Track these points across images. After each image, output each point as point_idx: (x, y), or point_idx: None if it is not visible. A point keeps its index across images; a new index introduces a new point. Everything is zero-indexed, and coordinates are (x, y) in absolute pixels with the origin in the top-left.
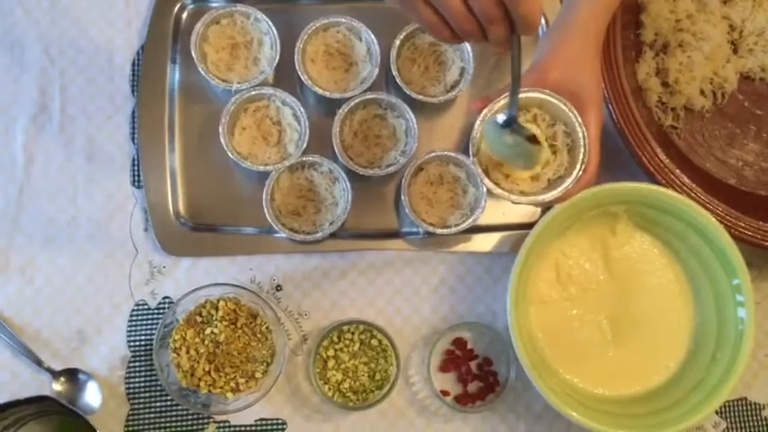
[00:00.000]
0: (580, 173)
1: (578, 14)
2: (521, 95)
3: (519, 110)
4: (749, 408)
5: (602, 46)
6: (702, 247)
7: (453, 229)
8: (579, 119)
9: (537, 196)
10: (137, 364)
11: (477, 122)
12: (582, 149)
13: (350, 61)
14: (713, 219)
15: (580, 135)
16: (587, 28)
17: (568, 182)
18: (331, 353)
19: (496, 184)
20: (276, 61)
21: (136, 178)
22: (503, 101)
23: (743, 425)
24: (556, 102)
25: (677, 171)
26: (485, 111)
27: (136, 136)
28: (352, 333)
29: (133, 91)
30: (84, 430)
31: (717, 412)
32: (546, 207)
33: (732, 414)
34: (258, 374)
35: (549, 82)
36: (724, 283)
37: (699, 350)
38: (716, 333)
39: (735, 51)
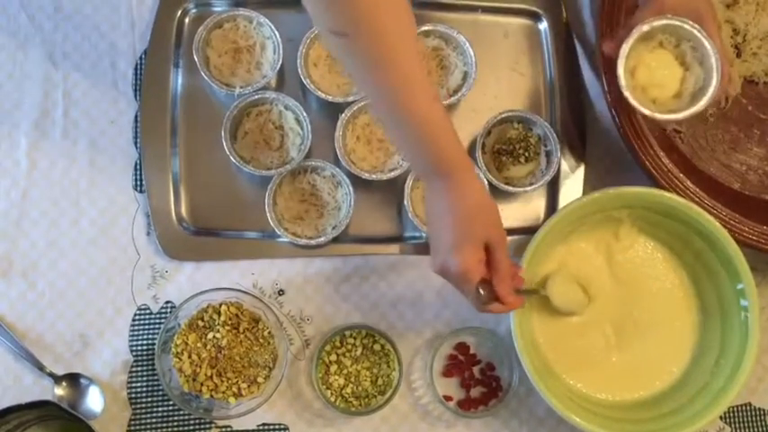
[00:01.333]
0: (717, 81)
1: None
2: (652, 25)
3: (644, 40)
4: (753, 413)
5: None
6: (706, 252)
7: None
8: (703, 32)
9: (687, 110)
10: (139, 368)
11: (619, 62)
12: (713, 58)
13: None
14: (717, 223)
15: (707, 45)
16: None
17: (711, 90)
18: (333, 358)
19: (647, 108)
20: (279, 65)
21: (138, 182)
22: (635, 34)
23: (747, 430)
24: (678, 23)
25: (681, 175)
26: (622, 49)
27: (138, 140)
28: (355, 338)
29: (136, 95)
30: None
31: (721, 417)
32: (549, 209)
33: (736, 419)
34: (260, 379)
35: (667, 6)
36: (728, 287)
37: (703, 355)
38: (720, 338)
39: (738, 55)
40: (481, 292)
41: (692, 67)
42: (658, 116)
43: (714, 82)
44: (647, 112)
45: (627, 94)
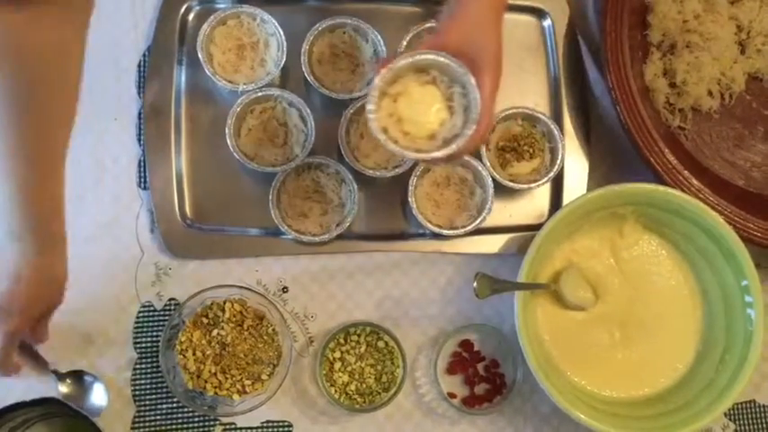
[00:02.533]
0: (469, 132)
1: None
2: (420, 57)
3: (420, 71)
4: (758, 410)
5: (504, 11)
6: (711, 249)
7: (460, 231)
8: (474, 82)
9: (431, 152)
10: (143, 365)
11: (376, 79)
12: (475, 111)
13: (356, 62)
14: (722, 220)
15: (473, 98)
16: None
17: (459, 140)
18: (337, 355)
19: (395, 141)
20: (282, 62)
21: (142, 180)
22: (402, 61)
23: (752, 427)
24: (453, 65)
25: (685, 172)
26: (383, 71)
27: (142, 137)
28: (359, 335)
29: (139, 92)
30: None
31: (726, 414)
32: (553, 206)
33: (741, 416)
34: (264, 376)
35: (449, 45)
36: (732, 284)
37: (707, 352)
38: (725, 335)
39: (742, 52)
40: None
41: (456, 113)
42: (391, 146)
43: (468, 133)
44: (381, 137)
45: (372, 116)
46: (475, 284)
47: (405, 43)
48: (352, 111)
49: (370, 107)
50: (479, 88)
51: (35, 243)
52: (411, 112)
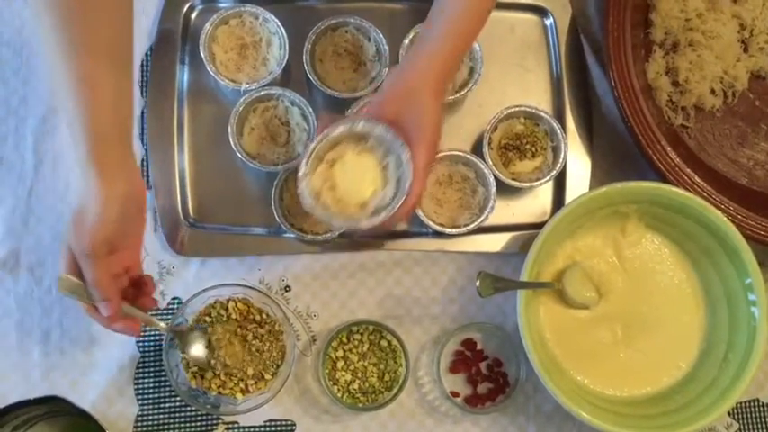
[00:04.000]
0: (397, 205)
1: (426, 51)
2: (358, 126)
3: (358, 138)
4: (762, 409)
5: (445, 85)
6: (714, 247)
7: (463, 230)
8: (408, 155)
9: (359, 221)
10: (146, 364)
11: (312, 144)
12: (407, 183)
13: (359, 61)
14: (725, 218)
15: (406, 169)
16: (432, 65)
17: (386, 211)
18: (340, 354)
19: (326, 207)
20: (285, 61)
21: (145, 179)
22: (340, 129)
23: (755, 426)
24: (388, 137)
25: (688, 170)
26: (324, 133)
27: (145, 137)
28: (362, 334)
29: (142, 92)
30: (93, 430)
31: (729, 413)
32: (556, 205)
33: (744, 415)
34: (268, 375)
35: (387, 114)
36: (736, 282)
37: (711, 350)
38: (728, 333)
39: (745, 50)
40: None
41: (389, 183)
42: (318, 212)
43: (396, 205)
44: (307, 202)
45: (302, 181)
46: (477, 283)
47: (407, 42)
48: (354, 109)
49: (301, 171)
50: (413, 159)
51: (98, 168)
52: (345, 180)
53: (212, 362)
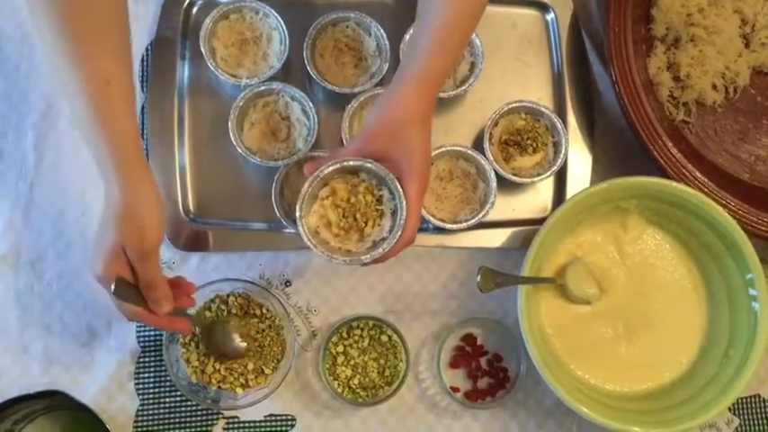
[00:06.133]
0: (395, 238)
1: (411, 80)
2: (348, 164)
3: (349, 173)
4: (763, 404)
5: (432, 112)
6: (715, 242)
7: (463, 225)
8: (400, 189)
9: (360, 256)
10: (146, 359)
11: (306, 185)
12: (401, 215)
13: (359, 56)
14: (726, 214)
15: (400, 202)
16: (419, 92)
17: (385, 244)
18: (340, 349)
19: (326, 243)
20: (285, 56)
21: None
22: (331, 167)
23: (756, 422)
24: (380, 172)
25: (689, 166)
26: (315, 173)
27: (145, 132)
28: (362, 329)
29: (143, 87)
30: (93, 425)
31: (730, 409)
32: (557, 200)
33: (745, 411)
34: (268, 370)
35: (376, 151)
36: (737, 278)
37: (711, 346)
38: (729, 329)
39: (747, 45)
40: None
41: (385, 216)
42: (319, 252)
43: (394, 238)
44: (309, 243)
45: (299, 222)
46: (478, 278)
47: (407, 37)
48: (354, 105)
49: (297, 213)
50: (406, 193)
51: (113, 176)
52: (339, 218)
53: (244, 349)
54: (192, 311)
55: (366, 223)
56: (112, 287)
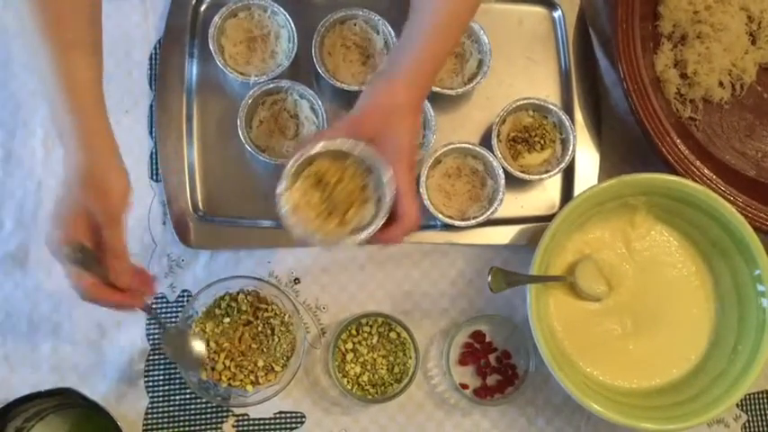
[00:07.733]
0: (380, 223)
1: (407, 66)
2: (337, 146)
3: (338, 157)
4: None
5: (424, 98)
6: (723, 239)
7: (472, 222)
8: (388, 174)
9: (339, 239)
10: (156, 357)
11: (289, 164)
12: (386, 202)
13: (367, 54)
14: (734, 209)
15: (387, 188)
16: (412, 80)
17: (369, 230)
18: (349, 346)
19: (306, 222)
20: (293, 54)
21: (154, 172)
22: (317, 148)
23: (764, 418)
24: (371, 159)
25: (697, 162)
26: (301, 151)
27: (154, 130)
28: (371, 326)
29: (151, 85)
30: (104, 422)
31: (738, 405)
32: (565, 197)
33: (753, 407)
34: (278, 368)
35: (366, 132)
36: (745, 273)
37: (720, 342)
38: (737, 324)
39: (753, 42)
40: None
41: (369, 203)
42: (297, 231)
43: (379, 223)
44: (288, 221)
45: (280, 198)
46: (489, 279)
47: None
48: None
49: (278, 189)
50: (398, 180)
51: (75, 140)
52: (324, 197)
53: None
54: (200, 309)
55: (349, 208)
56: (72, 252)
